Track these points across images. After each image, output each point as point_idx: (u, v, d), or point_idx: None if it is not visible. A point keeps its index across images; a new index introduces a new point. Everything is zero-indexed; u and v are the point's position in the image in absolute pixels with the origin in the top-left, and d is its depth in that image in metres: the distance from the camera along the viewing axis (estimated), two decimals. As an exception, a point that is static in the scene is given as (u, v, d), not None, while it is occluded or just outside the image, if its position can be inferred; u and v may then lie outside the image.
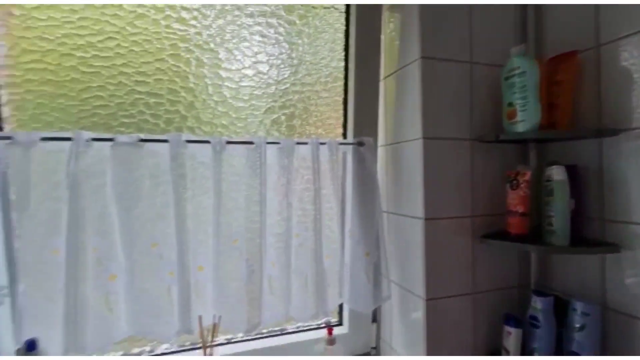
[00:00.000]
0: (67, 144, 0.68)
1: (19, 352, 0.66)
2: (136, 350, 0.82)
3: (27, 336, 0.66)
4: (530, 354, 0.72)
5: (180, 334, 0.75)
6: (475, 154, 0.82)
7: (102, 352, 0.71)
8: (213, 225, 0.77)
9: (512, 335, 0.73)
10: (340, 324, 0.99)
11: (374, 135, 0.94)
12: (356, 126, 0.94)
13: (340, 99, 0.94)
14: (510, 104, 0.74)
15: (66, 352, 0.68)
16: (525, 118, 0.71)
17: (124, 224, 0.73)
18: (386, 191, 0.94)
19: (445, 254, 0.79)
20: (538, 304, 0.71)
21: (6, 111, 0.71)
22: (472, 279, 0.81)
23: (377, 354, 0.98)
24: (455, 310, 0.80)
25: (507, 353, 0.74)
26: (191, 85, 0.80)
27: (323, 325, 0.97)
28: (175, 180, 0.74)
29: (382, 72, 0.95)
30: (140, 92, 0.76)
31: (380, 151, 0.97)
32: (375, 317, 0.98)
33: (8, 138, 0.66)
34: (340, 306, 1.00)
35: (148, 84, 0.77)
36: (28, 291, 0.69)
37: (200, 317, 0.76)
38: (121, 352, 0.81)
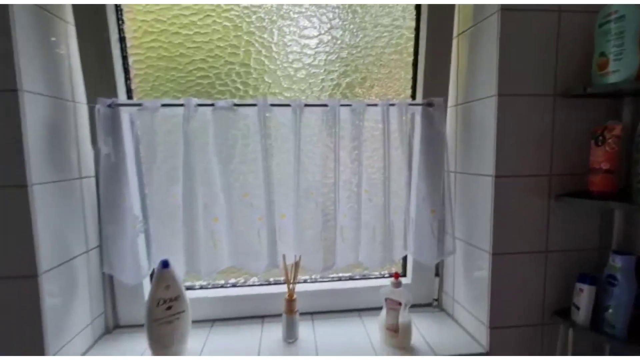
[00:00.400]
0: (180, 109, 0.83)
1: (153, 272, 0.87)
2: (232, 280, 1.01)
3: (158, 259, 0.86)
4: (605, 310, 0.71)
5: (268, 268, 0.90)
6: (558, 110, 0.78)
7: (211, 276, 0.88)
8: (293, 179, 0.88)
9: (584, 292, 0.73)
10: (404, 275, 1.07)
11: (444, 95, 0.95)
12: (426, 87, 0.95)
13: (411, 59, 0.96)
14: (603, 54, 0.69)
15: (187, 274, 0.87)
16: (619, 68, 0.66)
17: (222, 176, 0.87)
18: (455, 151, 0.95)
19: (516, 211, 0.79)
20: (617, 262, 0.69)
21: (134, 83, 0.89)
22: (546, 238, 0.81)
23: (439, 305, 1.05)
24: (524, 267, 0.81)
25: (578, 309, 0.75)
26: (274, 54, 0.89)
27: (387, 274, 1.06)
28: (262, 139, 0.86)
29: (455, 31, 0.93)
30: (232, 63, 0.88)
31: (450, 111, 0.97)
32: (438, 272, 1.04)
33: (139, 105, 0.83)
34: (404, 260, 1.07)
35: (239, 56, 0.88)
36: (156, 226, 0.88)
37: (284, 256, 0.90)
38: (222, 281, 1.01)
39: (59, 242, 0.76)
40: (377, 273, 1.07)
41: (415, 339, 0.87)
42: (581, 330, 0.74)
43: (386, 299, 0.85)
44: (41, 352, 0.71)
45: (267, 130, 0.86)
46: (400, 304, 0.83)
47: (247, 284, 1.02)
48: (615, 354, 0.80)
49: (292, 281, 0.89)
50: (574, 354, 0.77)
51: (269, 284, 1.03)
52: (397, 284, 0.85)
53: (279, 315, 0.93)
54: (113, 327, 0.94)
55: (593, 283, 0.73)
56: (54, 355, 0.73)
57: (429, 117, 0.90)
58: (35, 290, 0.69)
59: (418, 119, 0.92)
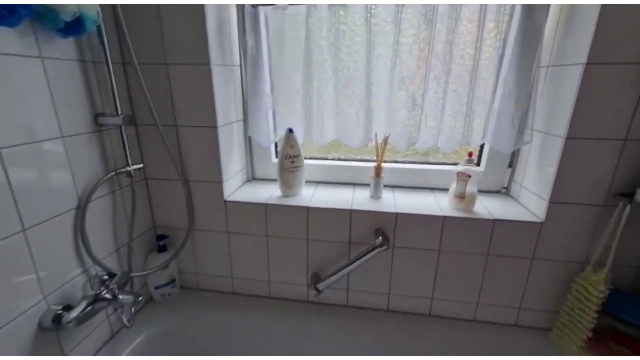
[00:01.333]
0: (303, 7, 1.03)
1: (280, 138, 1.20)
2: (334, 154, 1.31)
3: (283, 130, 1.17)
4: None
5: (363, 142, 1.15)
6: (679, -8, 0.75)
7: (321, 144, 1.18)
8: (390, 70, 1.05)
9: (653, 173, 0.80)
10: (477, 164, 1.22)
11: (553, -16, 0.93)
12: (533, -25, 0.94)
13: (522, -55, 0.94)
14: None
15: (304, 140, 1.18)
16: None
17: (331, 66, 1.09)
18: (552, 44, 0.97)
19: (601, 99, 0.84)
20: (696, 146, 0.73)
21: (267, -14, 1.10)
22: (628, 126, 0.84)
23: (507, 192, 1.20)
24: (596, 153, 0.88)
25: (642, 190, 0.83)
26: (382, -50, 0.98)
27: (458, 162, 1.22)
28: (366, 34, 1.02)
29: None
30: (345, -39, 1.01)
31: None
32: (511, 163, 1.16)
33: (273, 5, 1.05)
34: (480, 152, 1.21)
35: (351, -47, 1.00)
36: (281, 104, 1.18)
37: (376, 134, 1.13)
38: (321, 155, 1.31)
39: (225, 109, 1.11)
40: (452, 161, 1.24)
41: (478, 208, 1.07)
42: (639, 205, 0.83)
43: (458, 173, 1.04)
44: (219, 178, 1.13)
45: (370, 26, 1.02)
46: (469, 176, 1.02)
47: (344, 158, 1.31)
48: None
49: (380, 154, 1.14)
50: (625, 232, 0.88)
51: (361, 160, 1.30)
52: (470, 161, 1.03)
53: (368, 184, 1.21)
54: (251, 178, 1.36)
55: (665, 166, 0.79)
56: (226, 180, 1.15)
57: (529, 8, 0.93)
58: (216, 136, 1.07)
59: (518, 9, 0.95)
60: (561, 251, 1.00)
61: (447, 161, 1.24)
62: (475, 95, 1.03)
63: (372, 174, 1.15)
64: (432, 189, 1.24)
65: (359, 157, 1.30)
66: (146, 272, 1.13)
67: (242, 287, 1.27)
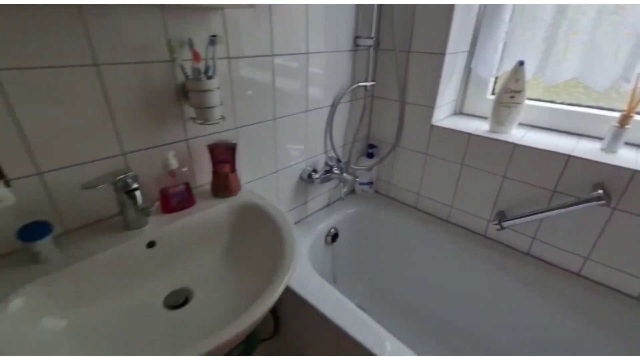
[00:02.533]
0: None
1: (503, 72, 1.18)
2: (564, 97, 1.17)
3: (511, 64, 1.14)
4: None
5: (612, 85, 0.98)
6: None
7: (554, 82, 1.09)
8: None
9: None
10: None
11: None
12: None
13: None
14: None
15: (533, 76, 1.12)
16: None
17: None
18: None
19: None
20: None
21: None
22: None
23: None
24: None
25: None
26: None
27: None
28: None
29: None
30: None
31: None
32: None
33: None
34: None
35: None
36: (517, 34, 1.13)
37: (638, 74, 0.94)
38: (546, 97, 1.19)
39: (456, 37, 1.17)
40: None
41: None
42: None
43: None
44: (432, 104, 1.25)
45: None
46: None
47: (581, 104, 1.15)
48: None
49: (637, 100, 0.94)
50: None
51: (604, 108, 1.11)
52: None
53: (597, 137, 1.05)
54: (459, 111, 1.43)
55: None
56: (437, 107, 1.27)
57: None
58: (441, 63, 1.18)
59: None
60: None
61: None
62: None
63: (616, 122, 0.98)
64: None
65: (596, 105, 1.11)
66: (357, 168, 1.48)
67: (424, 204, 1.45)
